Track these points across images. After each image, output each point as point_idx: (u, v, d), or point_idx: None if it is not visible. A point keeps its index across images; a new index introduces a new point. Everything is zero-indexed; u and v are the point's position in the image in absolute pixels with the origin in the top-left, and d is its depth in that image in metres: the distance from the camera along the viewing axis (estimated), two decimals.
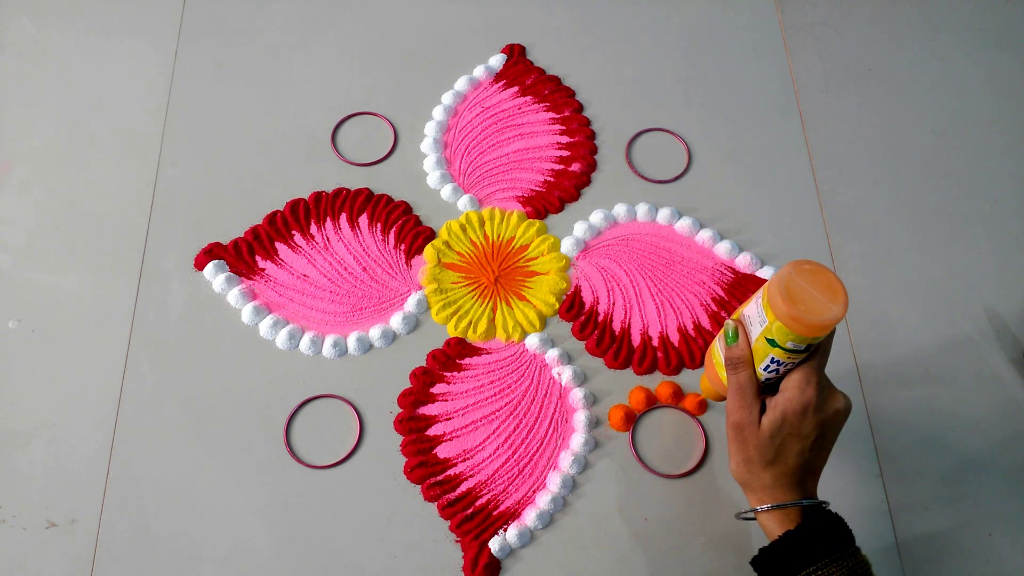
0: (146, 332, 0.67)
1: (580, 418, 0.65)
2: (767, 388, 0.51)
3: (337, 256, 0.71)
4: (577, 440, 0.64)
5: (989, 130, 0.79)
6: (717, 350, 0.54)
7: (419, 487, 0.62)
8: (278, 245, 0.71)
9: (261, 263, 0.70)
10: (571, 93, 0.79)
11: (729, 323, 0.51)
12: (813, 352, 0.49)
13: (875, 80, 0.82)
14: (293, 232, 0.72)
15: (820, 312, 0.45)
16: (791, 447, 0.49)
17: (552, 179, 0.75)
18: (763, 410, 0.50)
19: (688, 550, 0.61)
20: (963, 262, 0.73)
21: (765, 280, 0.70)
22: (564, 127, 0.78)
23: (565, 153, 0.76)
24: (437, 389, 0.66)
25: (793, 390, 0.49)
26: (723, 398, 0.57)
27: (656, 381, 0.67)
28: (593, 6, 0.84)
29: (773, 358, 0.49)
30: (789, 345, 0.47)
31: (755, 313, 0.49)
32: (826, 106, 0.80)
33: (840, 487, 0.62)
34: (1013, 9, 0.86)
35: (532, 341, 0.68)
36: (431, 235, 0.72)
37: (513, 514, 0.61)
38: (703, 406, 0.65)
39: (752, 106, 0.79)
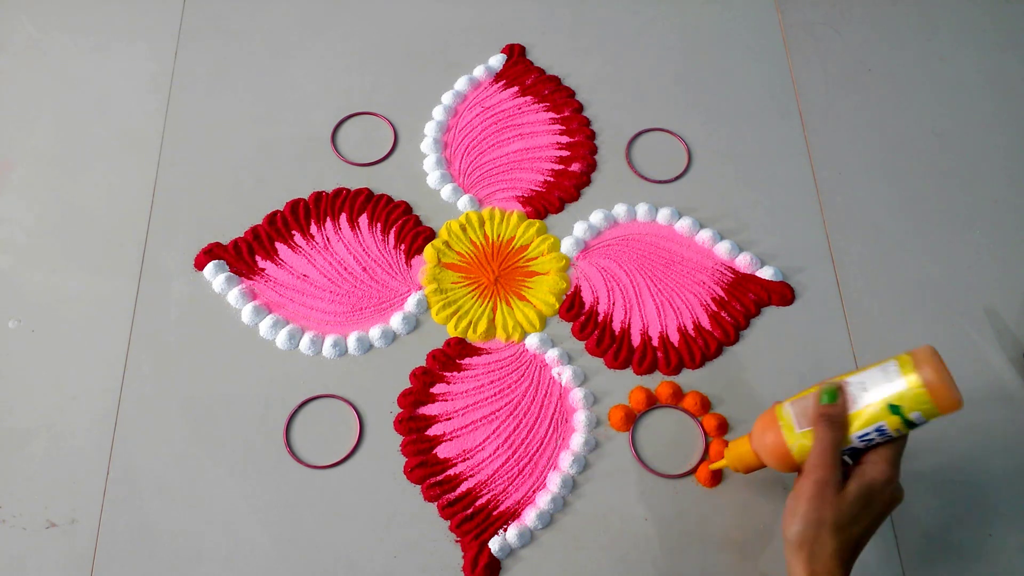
0: (146, 332, 0.67)
1: (580, 418, 0.65)
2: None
3: (337, 256, 0.71)
4: (577, 440, 0.64)
5: (989, 130, 0.79)
6: (786, 411, 0.54)
7: (419, 487, 0.62)
8: (278, 245, 0.71)
9: (261, 263, 0.70)
10: (571, 93, 0.79)
11: (833, 382, 0.52)
12: (900, 438, 0.51)
13: (875, 80, 0.82)
14: (293, 232, 0.72)
15: (957, 391, 0.48)
16: (864, 518, 0.49)
17: (552, 179, 0.75)
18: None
19: (688, 550, 0.61)
20: (963, 262, 0.72)
21: (765, 280, 0.70)
22: (564, 127, 0.78)
23: (565, 153, 0.76)
24: (437, 389, 0.66)
25: (883, 463, 0.50)
26: (753, 469, 0.57)
27: (656, 381, 0.67)
28: (593, 6, 0.84)
29: (881, 427, 0.50)
30: (913, 416, 0.49)
31: (879, 378, 0.50)
32: (826, 106, 0.80)
33: None
34: (1013, 9, 0.86)
35: (532, 341, 0.68)
36: (431, 235, 0.72)
37: (513, 514, 0.61)
38: (704, 406, 0.65)
39: (752, 106, 0.79)
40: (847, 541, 0.49)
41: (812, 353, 0.68)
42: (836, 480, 0.49)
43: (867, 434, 0.50)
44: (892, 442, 0.51)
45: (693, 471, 0.63)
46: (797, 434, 0.52)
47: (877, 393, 0.50)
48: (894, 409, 0.49)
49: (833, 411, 0.51)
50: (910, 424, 0.49)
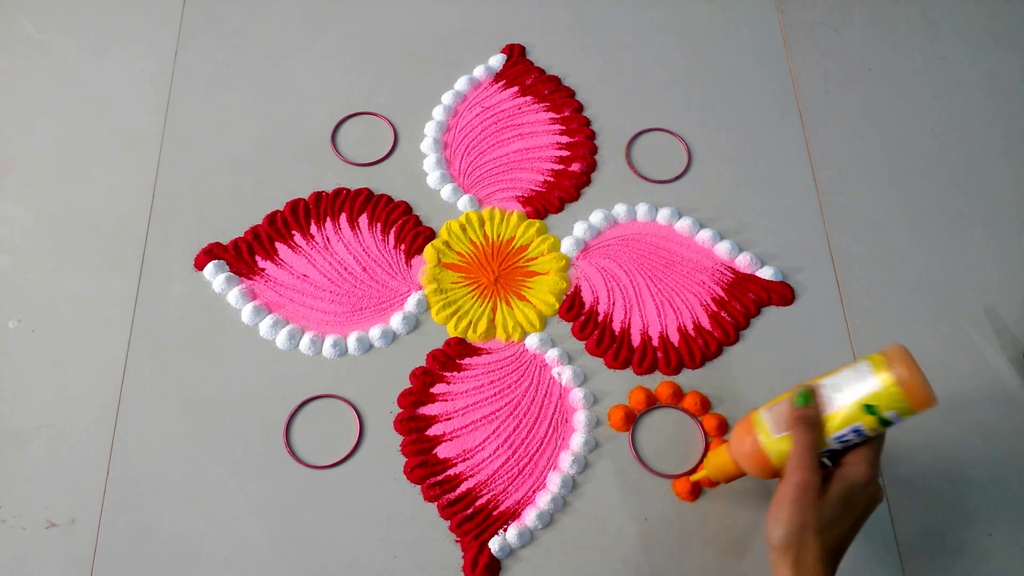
0: (146, 332, 0.67)
1: (580, 418, 0.65)
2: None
3: (337, 256, 0.71)
4: (577, 440, 0.64)
5: (989, 130, 0.79)
6: (763, 417, 0.54)
7: (419, 487, 0.62)
8: (278, 245, 0.71)
9: (261, 263, 0.70)
10: (571, 93, 0.79)
11: (806, 385, 0.52)
12: (878, 438, 0.51)
13: (875, 80, 0.82)
14: (293, 232, 0.72)
15: (930, 387, 0.49)
16: (846, 518, 0.50)
17: (552, 179, 0.75)
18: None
19: (688, 550, 0.61)
20: (963, 262, 0.72)
21: (765, 280, 0.70)
22: (564, 127, 0.78)
23: (565, 153, 0.76)
24: (437, 389, 0.66)
25: (862, 464, 0.50)
26: (734, 478, 0.57)
27: (656, 381, 0.67)
28: (593, 6, 0.84)
29: (857, 427, 0.50)
30: (888, 415, 0.49)
31: (852, 379, 0.51)
32: (826, 106, 0.80)
33: None
34: (1013, 9, 0.86)
35: (532, 341, 0.68)
36: (431, 235, 0.72)
37: (513, 514, 0.61)
38: (704, 406, 0.65)
39: (752, 106, 0.79)
40: (831, 543, 0.49)
41: (812, 353, 0.68)
42: (817, 482, 0.49)
43: (844, 435, 0.51)
44: (869, 442, 0.51)
45: (693, 471, 0.63)
46: (774, 439, 0.53)
47: (851, 394, 0.50)
48: (869, 409, 0.50)
49: (808, 413, 0.51)
50: (886, 423, 0.50)
